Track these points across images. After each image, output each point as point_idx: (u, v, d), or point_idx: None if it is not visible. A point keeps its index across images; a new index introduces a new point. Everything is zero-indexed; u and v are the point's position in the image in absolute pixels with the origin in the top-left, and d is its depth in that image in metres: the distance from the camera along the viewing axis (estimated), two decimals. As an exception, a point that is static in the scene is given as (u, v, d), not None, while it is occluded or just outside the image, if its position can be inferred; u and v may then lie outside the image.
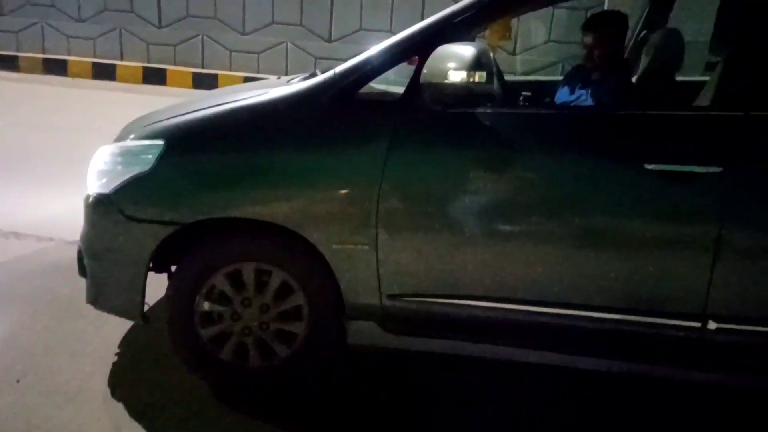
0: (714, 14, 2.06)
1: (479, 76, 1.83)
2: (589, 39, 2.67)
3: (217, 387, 2.27)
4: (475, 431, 2.14)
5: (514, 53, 7.80)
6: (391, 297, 2.08)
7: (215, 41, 8.49)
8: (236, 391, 2.26)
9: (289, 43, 8.36)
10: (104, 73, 8.52)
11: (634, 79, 2.81)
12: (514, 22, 7.04)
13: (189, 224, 2.09)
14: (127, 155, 2.15)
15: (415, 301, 2.08)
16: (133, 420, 2.09)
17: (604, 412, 2.26)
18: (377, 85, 2.16)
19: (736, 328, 1.93)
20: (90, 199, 2.18)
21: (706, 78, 2.27)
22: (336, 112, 2.05)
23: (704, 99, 2.07)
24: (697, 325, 1.94)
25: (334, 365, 2.35)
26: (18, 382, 2.24)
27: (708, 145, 1.89)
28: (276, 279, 2.15)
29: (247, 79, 7.66)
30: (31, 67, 8.67)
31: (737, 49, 1.95)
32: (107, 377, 2.30)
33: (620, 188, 1.94)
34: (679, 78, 2.73)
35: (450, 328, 2.10)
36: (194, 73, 8.40)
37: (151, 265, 2.20)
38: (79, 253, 2.30)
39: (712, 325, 1.92)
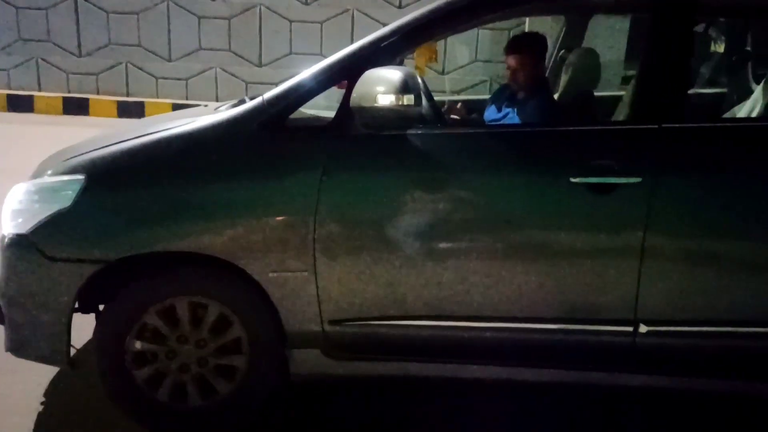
0: (622, 34, 2.18)
1: (407, 99, 1.85)
2: (511, 61, 2.77)
3: (157, 431, 2.16)
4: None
5: (442, 73, 7.99)
6: (332, 323, 2.05)
7: (140, 68, 8.25)
8: (175, 433, 2.16)
9: (218, 69, 8.23)
10: (20, 105, 8.10)
11: (556, 96, 2.93)
12: (440, 43, 7.23)
13: (115, 261, 2.00)
14: (44, 192, 2.04)
15: (357, 324, 2.06)
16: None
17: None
18: (307, 110, 2.15)
19: (665, 330, 2.01)
20: (5, 241, 2.05)
21: (622, 92, 2.40)
22: (266, 139, 2.03)
23: (621, 113, 2.18)
24: (630, 329, 2.01)
25: (277, 399, 2.29)
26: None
27: (626, 157, 1.98)
28: (212, 312, 2.08)
29: (176, 107, 7.47)
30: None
31: (647, 66, 2.06)
32: None
33: (549, 202, 2.00)
34: (597, 93, 2.87)
35: (394, 350, 2.09)
36: (119, 102, 8.11)
37: (76, 305, 2.09)
38: (-3, 299, 2.15)
39: (643, 329, 2.00)
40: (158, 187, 2.01)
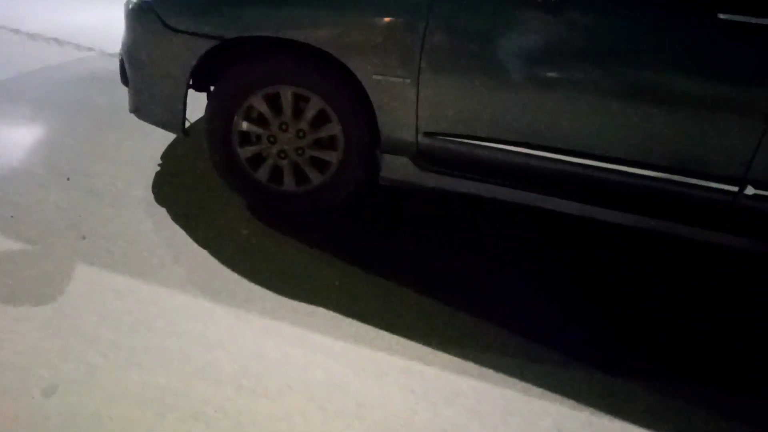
0: None
1: None
2: None
3: (251, 204, 2.38)
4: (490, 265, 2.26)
5: None
6: (426, 134, 2.08)
7: None
8: (269, 210, 2.37)
9: None
10: None
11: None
12: None
13: (229, 40, 2.05)
14: (169, -41, 2.05)
15: (449, 140, 2.08)
16: (173, 223, 2.22)
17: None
18: None
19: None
20: (130, 5, 2.13)
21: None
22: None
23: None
24: (735, 189, 1.93)
25: (364, 198, 2.43)
26: (68, 180, 2.37)
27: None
28: (314, 106, 2.14)
29: None
30: None
31: None
32: (148, 186, 2.42)
33: (687, 37, 1.82)
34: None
35: (482, 171, 2.12)
36: None
37: (191, 82, 2.20)
38: (121, 61, 2.30)
39: (750, 191, 1.91)
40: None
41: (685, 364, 1.88)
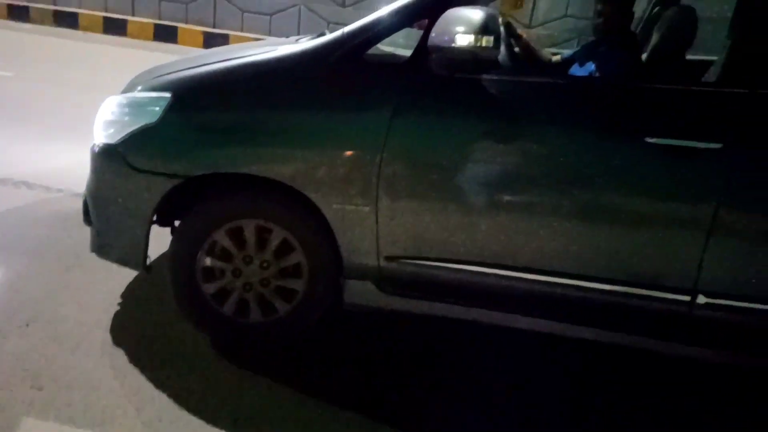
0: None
1: (486, 41, 1.82)
2: (599, 6, 2.66)
3: (217, 340, 2.33)
4: (464, 393, 2.20)
5: (529, 26, 7.69)
6: (388, 258, 2.12)
7: (228, 0, 8.40)
8: (236, 345, 2.32)
9: (302, 6, 8.26)
10: (115, 27, 8.47)
11: (644, 56, 2.78)
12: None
13: (193, 178, 2.12)
14: (134, 106, 2.17)
15: (412, 263, 2.11)
16: (135, 369, 2.15)
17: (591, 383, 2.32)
18: (386, 47, 2.15)
19: (724, 303, 1.96)
20: (96, 149, 2.21)
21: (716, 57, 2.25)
22: (343, 73, 2.06)
23: (711, 76, 2.06)
24: (687, 299, 1.97)
25: (331, 325, 2.40)
26: (27, 326, 2.31)
27: (709, 121, 1.89)
28: (276, 236, 2.18)
29: (258, 41, 7.59)
30: (42, 19, 8.62)
31: (744, 26, 1.93)
32: (113, 328, 2.36)
33: (622, 161, 1.95)
34: (689, 57, 2.70)
35: (445, 292, 2.14)
36: (205, 33, 8.33)
37: (155, 218, 2.24)
38: (85, 202, 2.34)
39: (701, 300, 1.95)
40: (238, 110, 2.09)
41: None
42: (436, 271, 2.11)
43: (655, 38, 2.72)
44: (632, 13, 2.70)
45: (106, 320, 2.40)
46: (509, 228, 2.03)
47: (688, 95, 1.98)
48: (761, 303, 1.95)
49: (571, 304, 2.07)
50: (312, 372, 2.24)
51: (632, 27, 2.83)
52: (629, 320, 2.06)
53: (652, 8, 3.03)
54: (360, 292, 2.18)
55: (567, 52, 3.08)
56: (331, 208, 2.07)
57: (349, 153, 2.03)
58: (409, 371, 2.28)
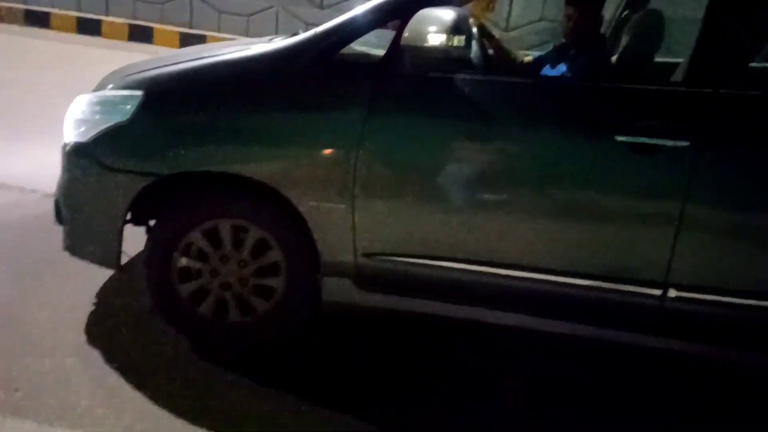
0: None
1: (458, 40, 1.85)
2: (568, 10, 2.70)
3: (195, 341, 2.31)
4: (444, 393, 2.22)
5: (506, 30, 7.76)
6: (365, 255, 2.12)
7: (204, 1, 8.34)
8: (215, 345, 2.30)
9: (279, 8, 8.24)
10: (89, 28, 8.35)
11: (614, 58, 2.84)
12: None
13: (165, 177, 2.10)
14: (105, 105, 2.15)
15: (388, 260, 2.13)
16: (112, 371, 2.12)
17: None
18: (359, 47, 2.17)
19: (694, 297, 2.00)
20: (67, 148, 2.19)
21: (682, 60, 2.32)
22: (316, 72, 2.07)
23: (677, 76, 2.11)
24: (659, 292, 2.01)
25: (311, 324, 2.40)
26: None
27: (677, 120, 1.93)
28: (253, 235, 2.17)
29: (235, 42, 7.54)
30: (13, 18, 8.46)
31: (709, 26, 1.98)
32: (88, 331, 2.32)
33: (592, 159, 1.99)
34: (658, 59, 2.76)
35: (421, 288, 2.16)
36: (181, 33, 8.25)
37: (129, 217, 2.22)
38: (57, 201, 2.31)
39: (672, 293, 2.00)
40: (210, 109, 2.09)
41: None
42: (412, 268, 2.12)
43: (624, 41, 2.78)
44: (601, 17, 2.75)
45: (84, 323, 2.37)
46: (482, 224, 2.06)
47: (657, 95, 2.03)
48: (730, 296, 1.99)
49: (545, 299, 2.10)
50: (294, 373, 2.23)
51: (602, 30, 2.88)
52: (601, 314, 2.09)
53: (622, 12, 3.09)
54: (337, 290, 2.18)
55: (538, 53, 3.13)
56: (308, 206, 2.08)
57: (324, 151, 2.04)
58: (391, 373, 2.29)
